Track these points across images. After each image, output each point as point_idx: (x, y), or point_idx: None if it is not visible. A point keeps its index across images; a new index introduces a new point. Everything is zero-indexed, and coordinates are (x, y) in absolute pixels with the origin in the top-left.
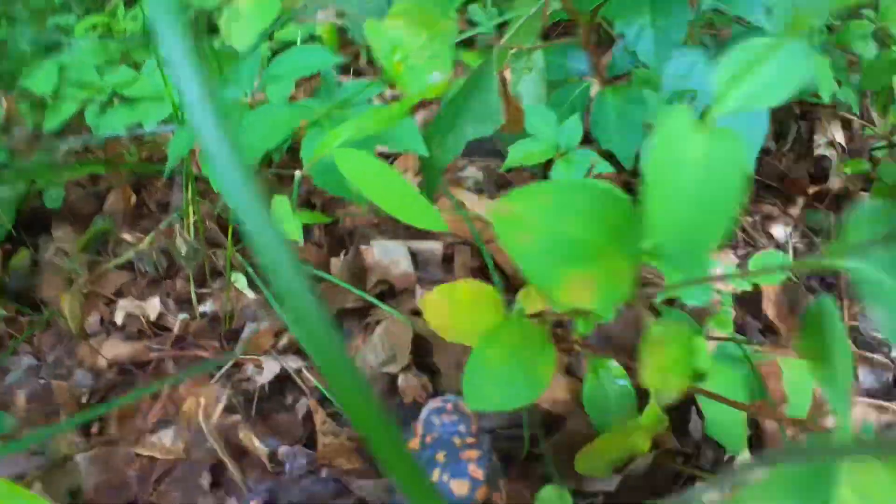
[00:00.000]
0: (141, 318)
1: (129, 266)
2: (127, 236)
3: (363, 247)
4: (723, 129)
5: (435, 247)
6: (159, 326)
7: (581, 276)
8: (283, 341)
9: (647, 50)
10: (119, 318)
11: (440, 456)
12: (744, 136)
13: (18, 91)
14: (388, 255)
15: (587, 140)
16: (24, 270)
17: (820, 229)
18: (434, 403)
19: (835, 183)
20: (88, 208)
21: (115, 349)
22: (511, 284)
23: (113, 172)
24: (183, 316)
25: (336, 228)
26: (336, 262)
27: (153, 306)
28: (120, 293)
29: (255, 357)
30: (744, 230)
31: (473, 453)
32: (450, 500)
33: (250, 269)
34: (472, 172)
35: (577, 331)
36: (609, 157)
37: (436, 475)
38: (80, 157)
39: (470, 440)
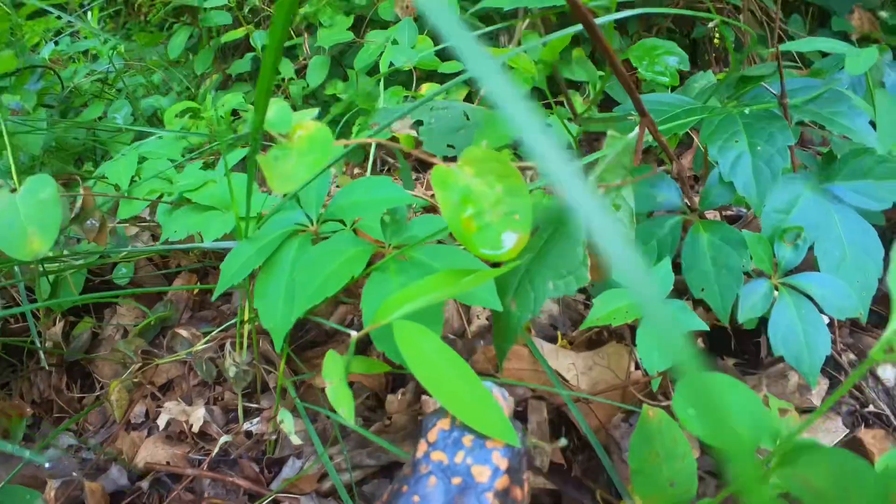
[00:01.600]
0: (184, 423)
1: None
2: (183, 332)
3: (426, 396)
4: None
5: None
6: (202, 434)
7: None
8: (326, 486)
9: (746, 180)
10: (161, 423)
11: (467, 440)
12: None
13: (98, 175)
14: None
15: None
16: (83, 342)
17: None
18: None
19: None
20: (156, 287)
21: (153, 452)
22: (581, 445)
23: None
24: (225, 439)
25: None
26: (393, 401)
27: (198, 417)
28: (170, 387)
29: (294, 496)
30: (842, 370)
31: (499, 442)
32: (469, 485)
33: (300, 405)
34: (547, 306)
35: None
36: (699, 303)
37: (459, 457)
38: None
39: None
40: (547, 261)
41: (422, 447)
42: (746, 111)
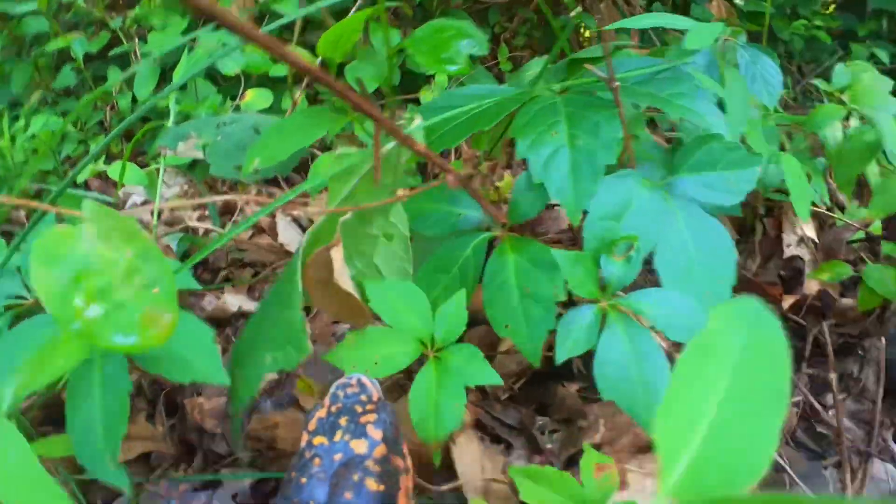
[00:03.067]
0: None
1: None
2: None
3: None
4: None
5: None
6: None
7: None
8: None
9: (561, 181)
10: None
11: (342, 420)
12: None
13: None
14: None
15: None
16: None
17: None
18: (341, 380)
19: (811, 286)
20: None
21: None
22: None
23: None
24: None
25: (183, 419)
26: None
27: None
28: None
29: None
30: None
31: (372, 416)
32: (350, 458)
33: None
34: None
35: None
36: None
37: (338, 436)
38: None
39: (370, 406)
40: (263, 330)
41: (304, 437)
42: (568, 97)
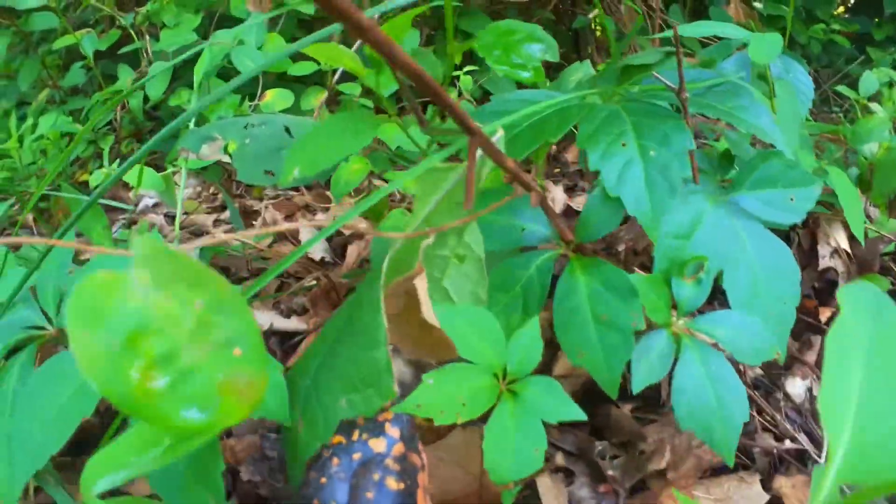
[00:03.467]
0: None
1: None
2: None
3: None
4: None
5: None
6: None
7: None
8: None
9: (638, 195)
10: None
11: (360, 419)
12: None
13: None
14: None
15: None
16: None
17: None
18: None
19: None
20: None
21: None
22: None
23: None
24: None
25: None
26: None
27: None
28: None
29: None
30: (754, 387)
31: (389, 414)
32: (369, 457)
33: None
34: (398, 371)
35: None
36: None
37: (356, 435)
38: None
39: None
40: (337, 368)
41: None
42: (629, 105)
